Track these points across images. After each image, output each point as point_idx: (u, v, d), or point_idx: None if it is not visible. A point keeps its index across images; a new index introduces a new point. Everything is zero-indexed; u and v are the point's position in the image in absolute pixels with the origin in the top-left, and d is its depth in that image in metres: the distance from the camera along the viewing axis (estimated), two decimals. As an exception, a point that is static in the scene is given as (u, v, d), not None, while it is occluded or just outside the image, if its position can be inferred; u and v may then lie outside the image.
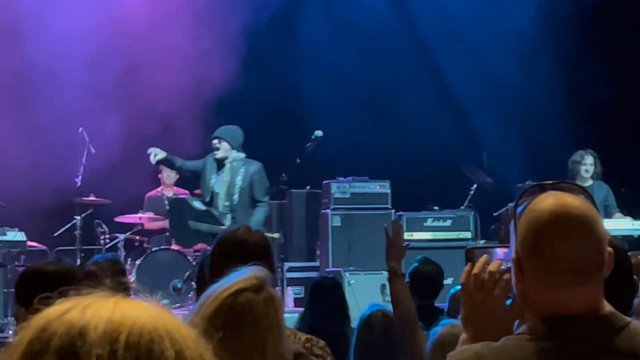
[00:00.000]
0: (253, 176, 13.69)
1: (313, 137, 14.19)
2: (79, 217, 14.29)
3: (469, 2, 17.56)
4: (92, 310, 1.42)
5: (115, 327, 1.40)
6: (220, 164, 13.75)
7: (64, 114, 15.29)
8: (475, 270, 3.34)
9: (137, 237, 14.52)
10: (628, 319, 3.12)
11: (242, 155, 13.86)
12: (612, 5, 17.17)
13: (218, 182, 13.80)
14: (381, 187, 14.69)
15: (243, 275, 3.65)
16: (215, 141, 13.81)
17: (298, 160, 14.42)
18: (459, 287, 4.89)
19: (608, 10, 17.12)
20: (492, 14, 16.98)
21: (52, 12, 16.52)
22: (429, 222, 14.51)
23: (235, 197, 13.76)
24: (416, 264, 9.00)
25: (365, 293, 11.93)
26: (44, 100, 16.08)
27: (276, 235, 13.86)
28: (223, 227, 12.77)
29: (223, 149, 13.72)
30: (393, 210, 14.28)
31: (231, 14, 16.25)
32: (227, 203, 13.75)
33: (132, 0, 16.79)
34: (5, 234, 13.72)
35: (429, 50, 18.05)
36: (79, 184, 14.43)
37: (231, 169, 13.79)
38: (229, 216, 13.75)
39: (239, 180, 13.77)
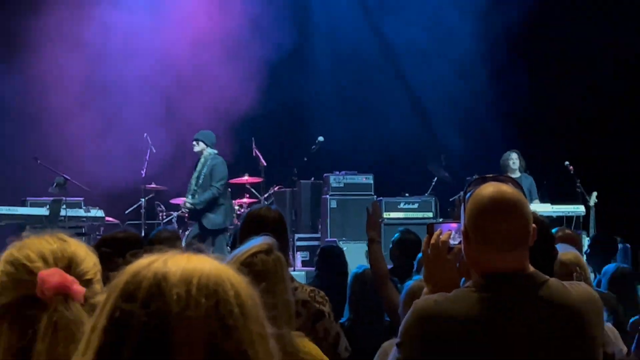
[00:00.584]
0: (214, 167, 14.66)
1: (317, 141, 15.68)
2: (143, 200, 15.71)
3: (428, 28, 17.94)
4: (171, 261, 1.75)
5: (189, 274, 1.73)
6: (198, 159, 14.98)
7: (134, 122, 16.53)
8: (432, 241, 3.99)
9: (186, 215, 15.11)
10: (547, 277, 3.69)
11: (214, 151, 14.89)
12: (537, 27, 17.60)
13: (195, 172, 14.84)
14: (366, 179, 16.01)
15: (258, 242, 4.18)
16: (194, 142, 15.01)
17: (305, 159, 15.95)
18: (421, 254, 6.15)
19: (532, 31, 17.67)
20: (443, 35, 17.81)
21: (130, 48, 17.54)
22: (401, 205, 15.63)
23: (200, 181, 14.74)
24: (398, 234, 9.65)
25: (354, 257, 12.09)
26: (119, 111, 17.15)
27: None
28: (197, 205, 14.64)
29: (199, 147, 14.86)
30: (375, 196, 15.51)
31: (254, 48, 17.34)
32: (195, 186, 14.74)
33: (180, 35, 17.71)
34: (89, 211, 15.05)
35: (402, 70, 18.99)
36: (143, 175, 15.68)
37: (203, 162, 14.82)
38: (192, 195, 14.81)
39: (205, 169, 14.75)
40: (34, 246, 2.50)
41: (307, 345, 4.16)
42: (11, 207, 14.62)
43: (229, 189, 15.61)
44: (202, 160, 14.82)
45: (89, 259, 2.54)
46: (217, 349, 1.67)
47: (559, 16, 17.91)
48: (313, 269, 10.05)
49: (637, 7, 17.41)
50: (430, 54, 18.08)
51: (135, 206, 16.02)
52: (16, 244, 2.52)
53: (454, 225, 3.90)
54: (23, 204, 14.94)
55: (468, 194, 3.64)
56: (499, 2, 17.49)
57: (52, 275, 2.34)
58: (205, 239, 14.41)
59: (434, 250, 4.06)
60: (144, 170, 15.70)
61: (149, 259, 1.75)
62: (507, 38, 17.64)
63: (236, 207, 15.75)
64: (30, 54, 16.96)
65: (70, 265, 2.45)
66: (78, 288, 2.37)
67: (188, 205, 14.84)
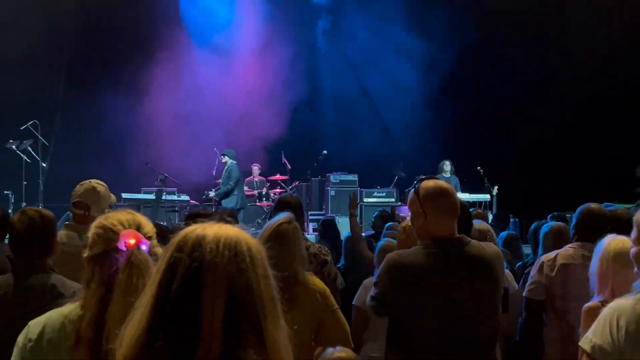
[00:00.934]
0: (230, 171, 14.60)
1: (322, 153, 15.90)
2: (214, 189, 15.18)
3: (391, 77, 17.60)
4: (208, 228, 1.81)
5: (219, 235, 1.79)
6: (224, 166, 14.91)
7: (207, 140, 16.62)
8: (403, 224, 4.40)
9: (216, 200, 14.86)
10: (470, 239, 3.74)
11: (234, 162, 14.77)
12: (458, 74, 16.94)
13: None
14: (353, 177, 15.96)
15: (282, 216, 4.18)
16: (221, 156, 15.05)
17: (315, 164, 16.07)
18: (389, 223, 7.19)
19: (455, 77, 17.03)
20: (400, 82, 17.33)
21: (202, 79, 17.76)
22: (375, 194, 15.76)
23: (221, 180, 14.88)
24: (377, 212, 9.86)
25: (345, 226, 9.74)
26: (197, 132, 17.14)
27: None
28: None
29: (225, 159, 14.91)
30: (358, 188, 15.57)
31: (283, 95, 17.41)
32: (221, 184, 14.78)
33: (236, 84, 17.75)
34: (180, 197, 15.18)
35: (375, 106, 18.89)
36: (214, 174, 15.77)
37: (226, 168, 14.75)
38: (215, 189, 14.95)
39: (225, 173, 14.72)
40: (115, 217, 2.61)
41: (315, 280, 4.19)
42: (131, 194, 14.87)
43: (244, 185, 15.56)
44: (225, 167, 14.84)
45: (149, 224, 2.66)
46: (232, 284, 1.74)
47: (471, 71, 17.32)
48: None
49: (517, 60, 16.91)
50: (393, 95, 17.68)
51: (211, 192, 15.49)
52: (102, 216, 2.67)
53: (405, 207, 4.02)
54: (139, 191, 15.17)
55: (413, 189, 3.75)
56: (434, 60, 17.20)
57: (129, 232, 2.48)
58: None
59: (402, 230, 4.61)
60: (214, 171, 15.80)
61: (194, 226, 1.84)
62: (439, 82, 17.16)
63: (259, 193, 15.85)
64: (144, 93, 17.03)
65: (138, 228, 2.58)
66: (145, 241, 2.49)
67: (210, 195, 14.96)
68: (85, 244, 2.58)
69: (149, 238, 2.54)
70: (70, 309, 2.53)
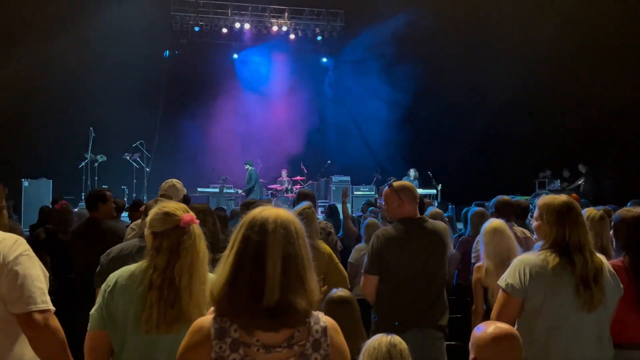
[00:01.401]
0: (250, 175, 14.08)
1: (327, 162, 15.14)
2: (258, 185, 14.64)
3: (366, 105, 17.35)
4: (267, 211, 1.75)
5: (276, 218, 1.73)
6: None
7: (250, 152, 15.90)
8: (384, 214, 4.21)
9: (276, 193, 14.64)
10: (427, 218, 3.68)
11: (252, 168, 14.19)
12: (417, 100, 16.07)
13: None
14: (347, 177, 15.40)
15: (305, 204, 4.06)
16: (245, 165, 14.36)
17: (322, 169, 15.34)
18: (370, 208, 7.59)
19: (415, 104, 16.13)
20: (374, 108, 16.91)
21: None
22: (360, 189, 15.10)
23: (246, 181, 14.19)
24: (365, 201, 9.87)
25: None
26: (247, 146, 16.56)
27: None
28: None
29: (246, 167, 14.26)
30: (350, 185, 14.96)
31: (303, 120, 16.98)
32: (246, 184, 14.15)
33: (272, 109, 17.51)
34: (236, 191, 14.46)
35: (358, 125, 18.08)
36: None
37: (248, 173, 14.18)
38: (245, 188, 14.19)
39: (247, 176, 14.14)
40: (169, 205, 2.41)
41: (323, 244, 4.04)
42: (204, 188, 14.34)
43: (276, 183, 15.06)
44: (248, 172, 14.28)
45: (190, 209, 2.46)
46: (285, 251, 1.69)
47: (421, 106, 16.18)
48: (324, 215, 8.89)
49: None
50: (372, 123, 17.19)
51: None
52: (157, 205, 2.46)
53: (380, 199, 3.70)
54: (208, 186, 14.55)
55: (389, 185, 3.64)
56: (397, 100, 16.46)
57: (187, 215, 2.33)
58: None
59: (384, 212, 4.40)
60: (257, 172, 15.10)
61: (258, 208, 1.78)
62: (402, 114, 16.40)
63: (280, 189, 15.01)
64: (212, 122, 16.69)
65: (188, 211, 2.40)
66: (196, 220, 2.34)
67: (239, 192, 14.43)
68: (146, 224, 2.45)
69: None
70: (135, 266, 2.41)
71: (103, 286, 2.43)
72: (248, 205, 4.60)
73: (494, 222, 3.84)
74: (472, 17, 14.92)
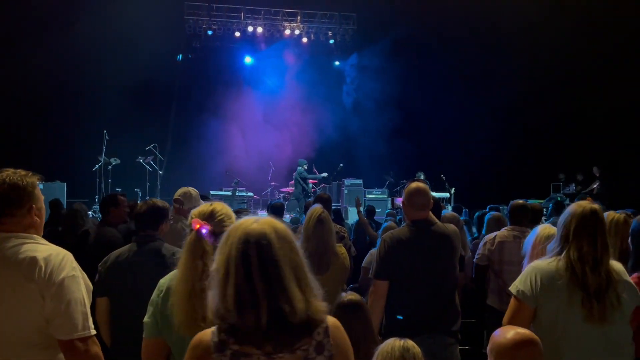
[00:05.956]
0: (298, 175, 13.92)
1: (340, 165, 14.63)
2: (269, 189, 15.68)
3: (372, 104, 17.13)
4: (248, 222, 1.72)
5: (256, 229, 1.69)
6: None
7: (267, 157, 16.21)
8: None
9: (288, 196, 14.56)
10: (437, 220, 3.61)
11: (300, 168, 13.96)
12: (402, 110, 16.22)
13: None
14: (359, 181, 15.26)
15: (317, 206, 3.89)
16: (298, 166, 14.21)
17: (335, 172, 14.86)
18: (387, 210, 7.88)
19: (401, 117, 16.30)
20: (386, 107, 16.73)
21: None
22: (374, 192, 15.18)
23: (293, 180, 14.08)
24: (367, 206, 9.29)
25: (353, 214, 11.85)
26: (262, 152, 16.59)
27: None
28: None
29: (298, 165, 14.13)
30: (363, 188, 15.02)
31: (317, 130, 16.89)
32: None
33: (288, 120, 17.34)
34: (247, 193, 14.66)
35: (368, 122, 17.33)
36: (269, 178, 15.66)
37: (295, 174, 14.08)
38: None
39: (295, 175, 14.03)
40: (200, 208, 2.43)
41: (340, 247, 3.94)
42: (216, 191, 14.31)
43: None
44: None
45: (221, 211, 2.41)
46: (263, 260, 1.65)
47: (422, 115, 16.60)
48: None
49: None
50: (382, 120, 16.65)
51: (267, 190, 15.81)
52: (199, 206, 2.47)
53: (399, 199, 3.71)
54: (221, 189, 14.62)
55: (405, 186, 3.65)
56: (411, 95, 16.46)
57: (195, 221, 2.27)
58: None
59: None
60: (271, 172, 15.67)
61: (242, 221, 1.74)
62: (415, 114, 16.58)
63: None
64: (223, 130, 16.70)
65: (211, 213, 2.37)
66: (205, 226, 2.25)
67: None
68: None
69: (221, 219, 2.39)
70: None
71: (155, 292, 2.44)
72: (239, 213, 4.78)
73: (552, 228, 3.57)
74: (486, 21, 14.93)
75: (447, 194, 14.53)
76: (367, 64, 17.57)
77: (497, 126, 15.75)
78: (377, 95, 17.23)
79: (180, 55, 17.25)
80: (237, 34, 17.47)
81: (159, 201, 3.53)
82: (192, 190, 4.86)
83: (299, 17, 17.77)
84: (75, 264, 2.32)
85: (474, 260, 4.88)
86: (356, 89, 18.33)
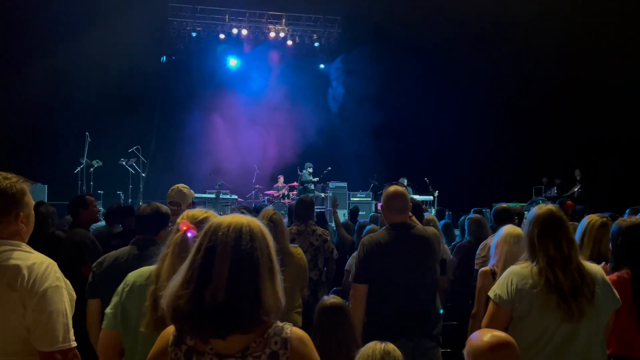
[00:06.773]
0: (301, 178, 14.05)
1: (327, 168, 14.42)
2: (253, 191, 15.42)
3: (357, 107, 17.23)
4: (223, 218, 1.72)
5: (229, 223, 1.69)
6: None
7: (251, 160, 16.10)
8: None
9: (272, 199, 14.61)
10: (417, 223, 3.64)
11: (305, 171, 14.10)
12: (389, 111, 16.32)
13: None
14: (344, 184, 15.31)
15: (269, 208, 3.91)
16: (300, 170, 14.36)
17: (321, 176, 14.55)
18: (371, 213, 7.33)
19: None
20: (370, 110, 16.70)
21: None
22: (358, 195, 15.26)
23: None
24: (352, 207, 10.01)
25: (341, 216, 10.52)
26: (247, 155, 16.54)
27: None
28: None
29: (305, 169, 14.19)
30: (347, 191, 15.19)
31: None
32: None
33: (273, 122, 17.25)
34: (232, 196, 14.37)
35: (352, 125, 17.54)
36: (254, 180, 15.44)
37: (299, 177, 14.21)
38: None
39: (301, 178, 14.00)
40: (189, 212, 2.44)
41: (295, 248, 3.93)
42: (199, 194, 13.97)
43: (273, 189, 14.94)
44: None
45: (205, 215, 2.41)
46: (236, 256, 1.65)
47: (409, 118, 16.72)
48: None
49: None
50: (366, 123, 16.80)
51: (251, 193, 15.60)
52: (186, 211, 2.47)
53: (380, 204, 3.62)
54: (204, 192, 14.54)
55: (384, 190, 3.61)
56: (396, 98, 16.50)
57: (183, 223, 2.26)
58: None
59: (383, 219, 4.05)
60: (255, 175, 15.52)
61: (219, 217, 1.75)
62: (399, 118, 16.61)
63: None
64: (206, 133, 16.85)
65: (203, 221, 2.19)
66: (190, 229, 2.24)
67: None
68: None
69: (201, 221, 2.32)
70: (153, 267, 2.39)
71: (121, 285, 2.42)
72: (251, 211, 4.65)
73: (517, 228, 3.64)
74: (469, 25, 14.95)
75: (431, 197, 14.51)
76: (352, 67, 17.58)
77: (480, 130, 15.78)
78: (361, 98, 17.20)
79: (164, 57, 17.20)
80: (222, 36, 17.41)
81: (162, 207, 3.47)
82: (183, 187, 4.74)
83: (283, 20, 17.76)
84: (59, 273, 2.28)
85: (475, 266, 4.77)
86: (341, 92, 18.37)
